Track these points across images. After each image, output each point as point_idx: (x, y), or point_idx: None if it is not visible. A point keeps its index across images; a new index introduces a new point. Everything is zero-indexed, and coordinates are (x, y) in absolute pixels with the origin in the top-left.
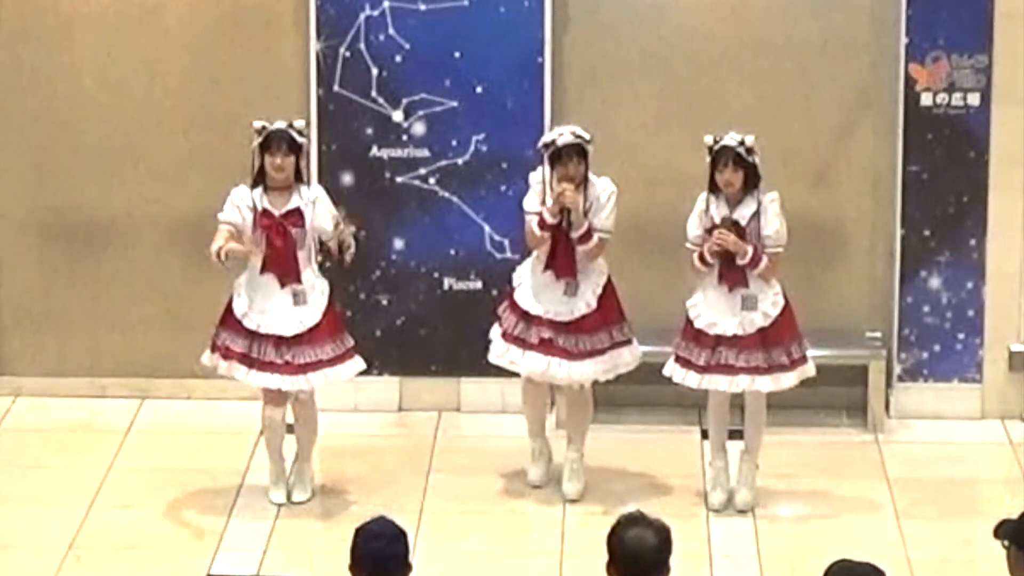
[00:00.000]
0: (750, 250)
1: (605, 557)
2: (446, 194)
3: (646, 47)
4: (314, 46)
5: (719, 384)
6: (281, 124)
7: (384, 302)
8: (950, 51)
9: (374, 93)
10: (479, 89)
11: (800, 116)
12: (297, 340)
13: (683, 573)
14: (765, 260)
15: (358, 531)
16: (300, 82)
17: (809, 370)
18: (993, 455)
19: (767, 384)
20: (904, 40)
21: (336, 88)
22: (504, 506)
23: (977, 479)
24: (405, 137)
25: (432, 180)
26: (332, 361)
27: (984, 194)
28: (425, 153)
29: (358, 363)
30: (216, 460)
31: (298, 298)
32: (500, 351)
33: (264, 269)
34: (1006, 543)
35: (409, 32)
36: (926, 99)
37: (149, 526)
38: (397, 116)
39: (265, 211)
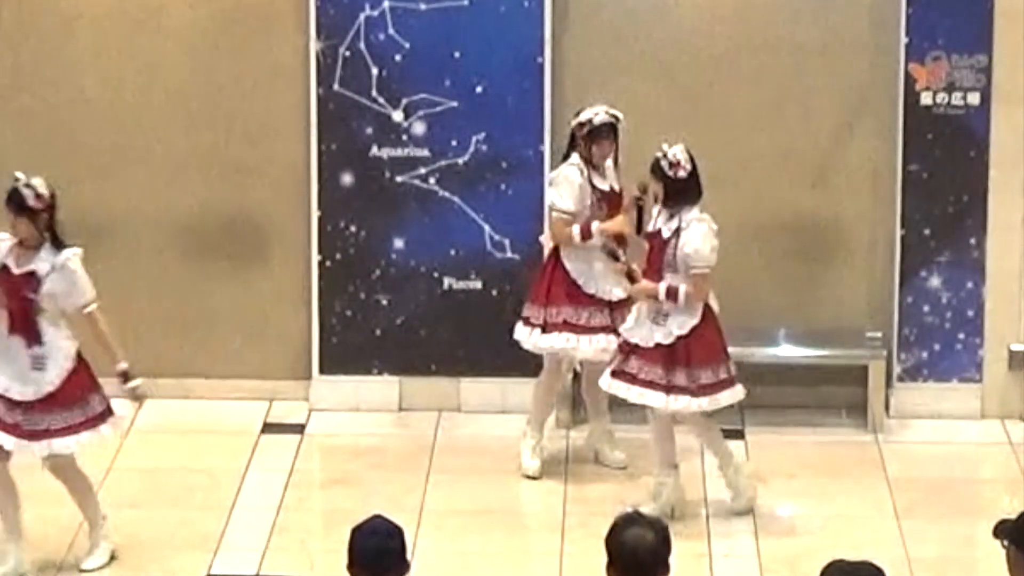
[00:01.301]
0: (661, 290)
1: (605, 558)
2: (446, 194)
3: (646, 47)
4: (314, 46)
5: (619, 391)
6: (19, 183)
7: (384, 302)
8: (950, 51)
9: (374, 93)
10: (479, 89)
11: (800, 116)
12: (30, 405)
13: (683, 573)
14: (682, 292)
15: (354, 530)
16: (300, 82)
17: (723, 399)
18: (993, 455)
19: (658, 400)
20: (904, 40)
21: (336, 88)
22: (504, 506)
23: (977, 479)
24: (405, 137)
25: (432, 180)
26: (62, 431)
27: (984, 194)
28: (425, 153)
29: (103, 432)
30: (216, 460)
31: (37, 362)
32: (604, 343)
33: (11, 329)
34: (1005, 543)
35: (409, 32)
36: (926, 99)
37: (149, 526)
38: (397, 116)
39: (5, 267)
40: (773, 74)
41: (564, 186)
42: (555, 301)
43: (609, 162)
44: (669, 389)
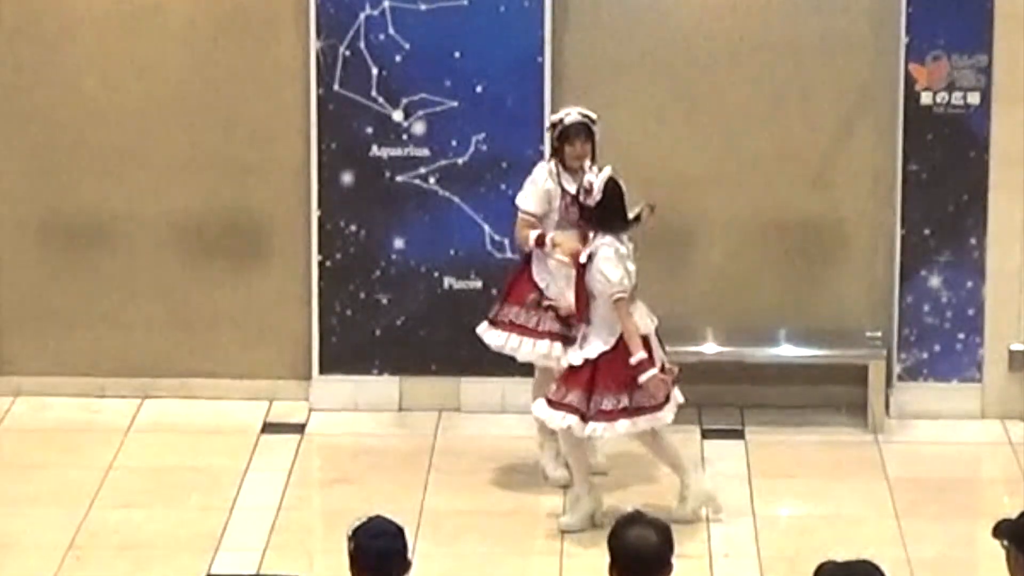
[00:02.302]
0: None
1: (606, 558)
2: (446, 194)
3: (646, 47)
4: (314, 46)
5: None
6: None
7: (384, 302)
8: (950, 51)
9: (374, 93)
10: (479, 89)
11: (800, 116)
12: None
13: (683, 573)
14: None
15: (356, 531)
16: (300, 82)
17: (599, 430)
18: (993, 455)
19: (540, 410)
20: (904, 40)
21: (336, 88)
22: (504, 506)
23: (977, 479)
24: (405, 137)
25: (432, 180)
26: None
27: (984, 194)
28: (425, 153)
29: None
30: (216, 460)
31: None
32: (546, 349)
33: None
34: (1005, 543)
35: (409, 32)
36: (926, 99)
37: (149, 526)
38: (397, 116)
39: None
40: (773, 74)
41: (529, 186)
42: (512, 300)
43: (587, 164)
44: (558, 405)
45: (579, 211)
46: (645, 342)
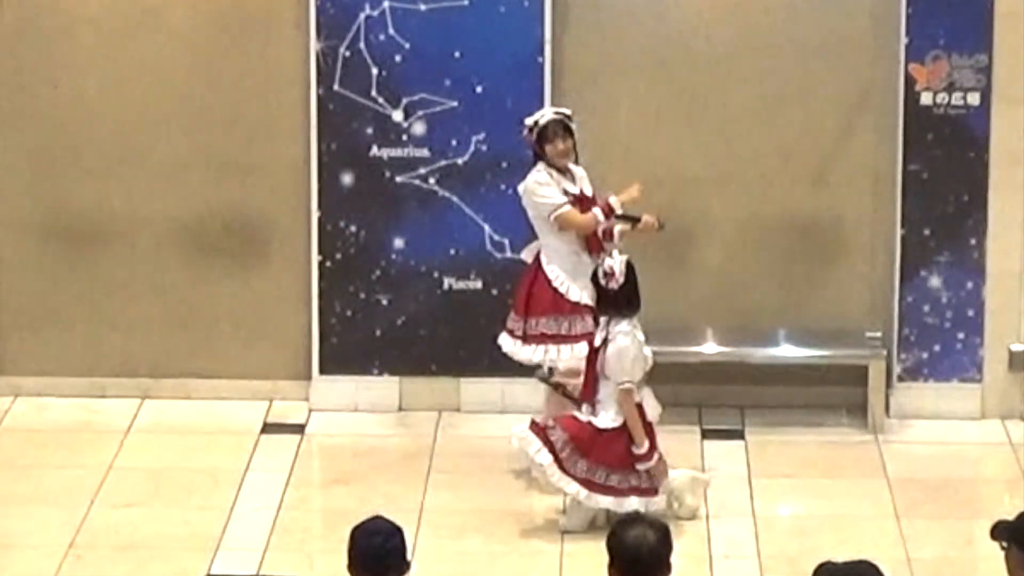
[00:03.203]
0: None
1: (605, 558)
2: (446, 194)
3: (646, 47)
4: (314, 46)
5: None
6: None
7: (384, 302)
8: (950, 51)
9: (374, 93)
10: (479, 89)
11: (800, 116)
12: None
13: (683, 573)
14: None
15: (354, 530)
16: (300, 82)
17: (603, 501)
18: (993, 455)
19: (520, 430)
20: (904, 40)
21: (336, 88)
22: (504, 506)
23: (977, 479)
24: (405, 137)
25: (432, 180)
26: None
27: (984, 194)
28: (425, 153)
29: None
30: (216, 460)
31: None
32: (584, 350)
33: None
34: (1005, 543)
35: (409, 32)
36: (926, 99)
37: (149, 526)
38: (397, 116)
39: None
40: (773, 74)
41: (541, 188)
42: (535, 311)
43: (576, 169)
44: (542, 436)
45: (596, 296)
46: (648, 428)
